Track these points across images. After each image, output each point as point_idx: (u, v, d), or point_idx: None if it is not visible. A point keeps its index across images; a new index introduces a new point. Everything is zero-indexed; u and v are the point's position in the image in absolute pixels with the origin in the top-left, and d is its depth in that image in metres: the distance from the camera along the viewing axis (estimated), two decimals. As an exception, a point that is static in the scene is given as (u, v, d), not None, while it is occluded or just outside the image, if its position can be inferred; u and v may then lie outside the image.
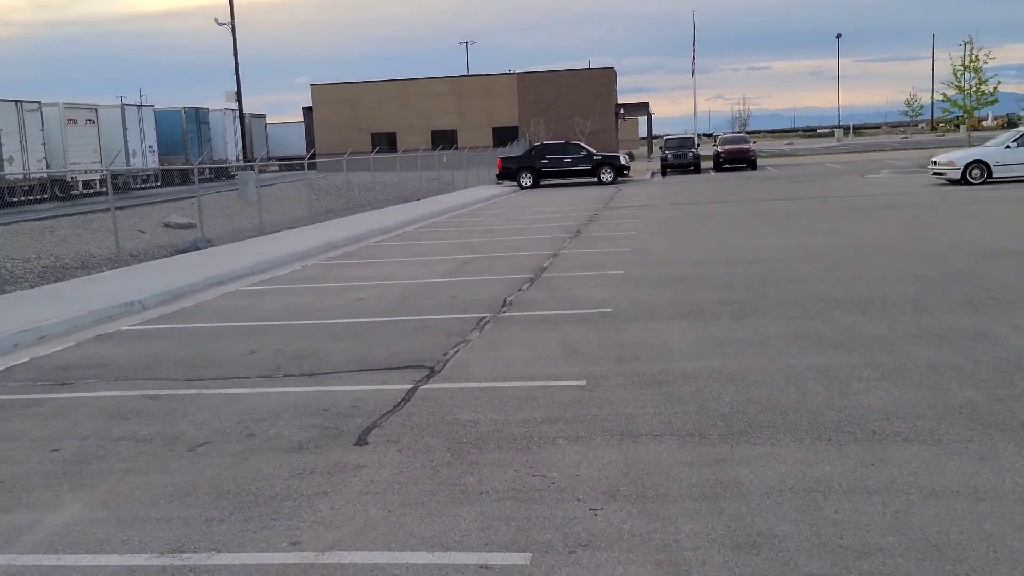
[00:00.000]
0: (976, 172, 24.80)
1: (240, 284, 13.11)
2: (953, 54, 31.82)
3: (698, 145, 46.58)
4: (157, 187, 46.79)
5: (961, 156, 25.65)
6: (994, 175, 24.70)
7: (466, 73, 71.40)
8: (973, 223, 15.98)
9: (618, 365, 7.09)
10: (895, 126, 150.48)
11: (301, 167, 54.38)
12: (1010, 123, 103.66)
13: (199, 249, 18.40)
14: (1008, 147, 24.73)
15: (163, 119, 49.57)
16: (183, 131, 51.33)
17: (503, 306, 10.02)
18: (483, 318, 9.35)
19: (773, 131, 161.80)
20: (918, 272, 10.75)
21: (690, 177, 39.83)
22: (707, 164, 45.48)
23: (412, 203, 31.26)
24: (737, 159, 43.56)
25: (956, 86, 32.71)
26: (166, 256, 17.75)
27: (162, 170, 45.42)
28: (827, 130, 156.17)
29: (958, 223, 16.08)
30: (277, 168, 66.43)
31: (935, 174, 26.02)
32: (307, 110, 69.03)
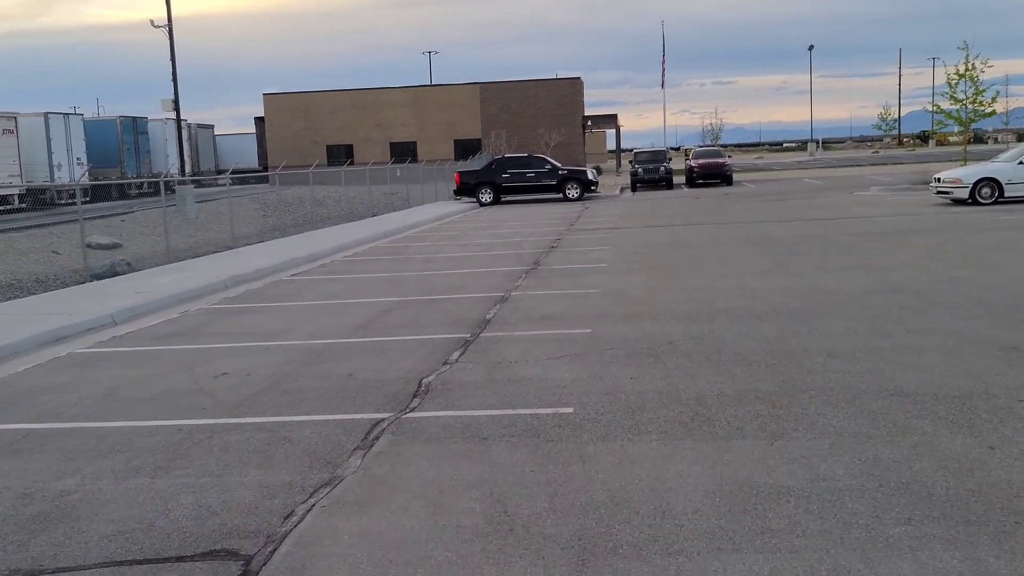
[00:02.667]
0: (986, 191, 22.09)
1: (81, 342, 9.77)
2: (947, 64, 29.12)
3: (670, 159, 43.82)
4: (87, 203, 42.99)
5: (968, 173, 22.94)
6: (1006, 194, 22.02)
7: (427, 83, 68.26)
8: (1017, 254, 13.09)
9: (581, 567, 3.90)
10: (860, 141, 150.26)
11: (256, 180, 51.07)
12: (976, 138, 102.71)
13: (117, 275, 15.86)
14: (1022, 163, 22.04)
15: (95, 129, 45.85)
16: (119, 142, 47.60)
17: (413, 396, 6.81)
18: (377, 424, 6.13)
19: (740, 145, 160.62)
20: (1002, 338, 7.72)
21: (662, 193, 36.96)
22: (679, 179, 42.72)
23: (359, 222, 28.03)
24: (712, 174, 40.82)
25: (951, 96, 30.09)
26: (76, 283, 15.01)
27: (91, 185, 41.66)
28: (794, 144, 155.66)
29: (997, 254, 13.18)
30: (230, 182, 62.79)
31: (939, 192, 23.29)
32: (259, 120, 65.41)
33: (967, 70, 29.83)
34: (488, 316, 10.10)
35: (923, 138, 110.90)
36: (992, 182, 22.14)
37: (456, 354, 8.21)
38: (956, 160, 52.68)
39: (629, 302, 10.55)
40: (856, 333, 8.17)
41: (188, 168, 55.11)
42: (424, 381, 7.26)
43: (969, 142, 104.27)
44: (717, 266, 13.40)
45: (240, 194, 47.24)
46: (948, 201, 23.10)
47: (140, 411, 6.81)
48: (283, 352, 8.74)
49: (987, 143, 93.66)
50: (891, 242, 15.31)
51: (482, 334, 9.09)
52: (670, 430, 5.66)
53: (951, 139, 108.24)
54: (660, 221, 22.67)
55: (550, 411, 6.18)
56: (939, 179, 23.49)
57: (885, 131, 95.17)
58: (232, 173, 59.72)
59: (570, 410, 6.17)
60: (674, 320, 9.24)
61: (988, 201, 21.99)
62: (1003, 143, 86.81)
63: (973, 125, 31.01)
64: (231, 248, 20.38)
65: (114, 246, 23.15)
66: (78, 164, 42.74)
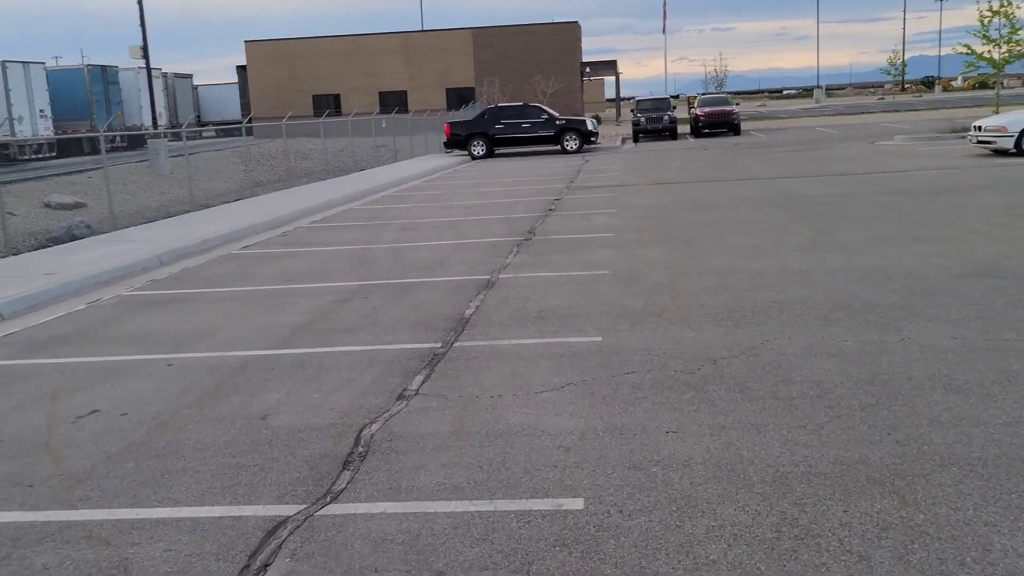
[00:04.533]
0: (1034, 140, 19.65)
1: (-63, 353, 7.50)
2: (954, 6, 26.33)
3: (674, 107, 41.16)
4: (53, 158, 40.38)
5: (1013, 120, 20.45)
6: (1055, 143, 19.59)
7: (417, 29, 64.98)
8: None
9: None
10: (862, 87, 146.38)
11: (238, 132, 48.36)
12: (982, 84, 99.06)
13: (76, 239, 14.29)
14: (1076, 108, 19.58)
15: (60, 79, 42.93)
16: (87, 93, 44.68)
17: (344, 465, 4.57)
18: (274, 531, 3.89)
19: (739, 92, 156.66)
20: None
21: (667, 144, 34.41)
22: (683, 128, 40.12)
23: (341, 178, 25.66)
24: (719, 123, 38.20)
25: (983, 36, 27.40)
26: (30, 249, 13.41)
27: (57, 139, 38.95)
28: (794, 91, 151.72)
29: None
30: (214, 134, 59.92)
31: (980, 142, 20.84)
32: (241, 69, 62.25)
33: (1002, 6, 27.11)
34: (468, 312, 7.82)
35: (928, 84, 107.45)
36: (1041, 130, 19.70)
37: (418, 379, 5.95)
38: (970, 106, 50.03)
39: (647, 290, 8.26)
40: (970, 347, 5.91)
41: (165, 120, 52.31)
42: (365, 433, 5.01)
43: (973, 88, 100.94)
44: (747, 236, 11.08)
45: (222, 147, 44.71)
46: (988, 152, 20.69)
47: (-62, 489, 4.57)
48: (187, 372, 6.48)
49: (992, 88, 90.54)
50: (947, 203, 12.98)
51: (457, 342, 6.82)
52: (747, 560, 3.42)
53: (953, 85, 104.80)
54: (669, 177, 20.27)
55: (549, 507, 3.94)
56: (979, 127, 21.02)
57: (894, 77, 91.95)
58: (215, 125, 56.88)
59: (579, 505, 3.93)
60: (711, 321, 6.96)
61: (1036, 152, 19.59)
62: (1009, 88, 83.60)
63: (1008, 68, 28.35)
64: (189, 212, 18.02)
65: (76, 206, 21.03)
66: (41, 116, 40.02)
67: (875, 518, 3.66)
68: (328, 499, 4.17)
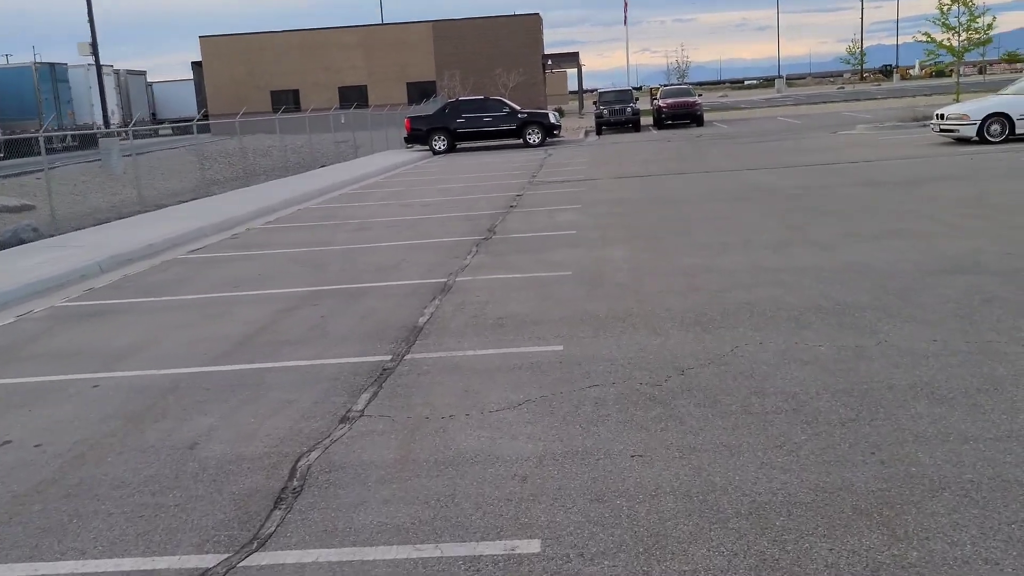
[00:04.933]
0: (996, 127, 19.61)
1: None
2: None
3: (637, 99, 40.89)
4: (1, 159, 39.09)
5: (975, 108, 20.39)
6: (1017, 130, 19.56)
7: (376, 23, 64.06)
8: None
9: None
10: (821, 76, 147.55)
11: (199, 130, 47.27)
12: (938, 72, 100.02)
13: (23, 243, 13.79)
14: (1036, 96, 19.56)
15: (5, 78, 41.71)
16: (35, 91, 43.35)
17: (276, 501, 4.09)
18: (190, 588, 3.44)
19: (701, 83, 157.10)
20: None
21: (630, 136, 34.13)
22: (646, 120, 39.89)
23: (300, 175, 25.05)
24: (681, 114, 38.04)
25: (942, 23, 27.41)
26: None
27: (13, 139, 37.59)
28: (755, 81, 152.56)
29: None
30: (170, 132, 58.49)
31: (943, 130, 20.76)
32: (196, 66, 60.92)
33: (961, -6, 27.15)
34: (421, 320, 7.35)
35: (886, 72, 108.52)
36: (1002, 117, 19.62)
37: (364, 398, 5.49)
38: (929, 94, 50.41)
39: (611, 292, 7.86)
40: (951, 350, 5.58)
41: (118, 119, 51.00)
42: (302, 464, 4.54)
43: (929, 76, 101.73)
44: (715, 232, 10.74)
45: (177, 145, 43.60)
46: (951, 140, 20.63)
47: None
48: (113, 394, 5.96)
49: (950, 76, 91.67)
50: (914, 194, 12.76)
51: (408, 354, 6.37)
52: (724, 610, 3.02)
53: (911, 73, 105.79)
54: (633, 170, 19.92)
55: (501, 550, 3.50)
56: (942, 115, 20.94)
57: (854, 65, 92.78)
58: (171, 122, 55.59)
59: (535, 547, 3.50)
60: (678, 326, 6.57)
61: (998, 139, 19.52)
62: (966, 75, 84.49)
63: (967, 55, 28.40)
64: (140, 213, 17.34)
65: (23, 208, 20.26)
66: (-14, 117, 38.69)
67: (864, 557, 3.28)
68: (255, 545, 3.70)
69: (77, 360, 6.93)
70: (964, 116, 20.13)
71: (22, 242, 13.79)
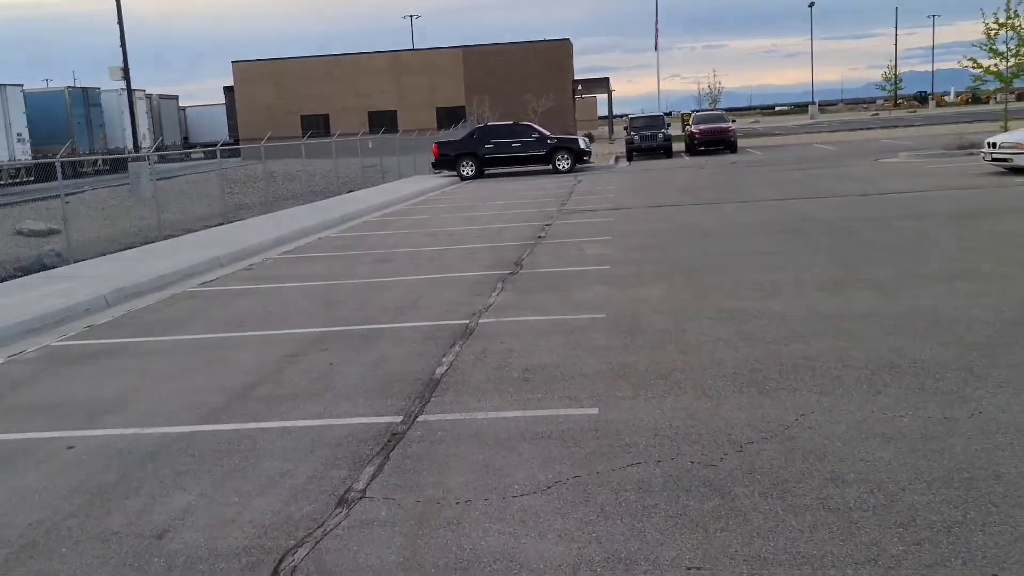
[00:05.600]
0: (1053, 157, 18.58)
1: None
2: (986, 13, 25.35)
3: (668, 125, 40.17)
4: (31, 183, 39.14)
5: (1030, 136, 19.38)
6: (1075, 161, 18.51)
7: (406, 48, 64.00)
8: None
9: None
10: (853, 103, 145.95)
11: (229, 154, 47.18)
12: (974, 98, 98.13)
13: (45, 268, 13.73)
14: (1098, 123, 18.52)
15: (39, 102, 41.80)
16: (67, 115, 43.53)
17: (246, 628, 3.34)
18: None
19: (731, 109, 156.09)
20: None
21: (662, 163, 33.35)
22: (678, 146, 39.13)
23: (324, 201, 24.57)
24: (715, 140, 37.28)
25: (989, 49, 26.40)
26: None
27: (23, 164, 37.62)
28: (786, 107, 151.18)
29: None
30: (202, 156, 58.66)
31: (995, 159, 19.73)
32: (228, 90, 61.14)
33: (1009, 19, 26.15)
34: (439, 371, 6.58)
35: (921, 99, 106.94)
36: (1060, 147, 18.62)
37: (367, 473, 4.72)
38: (969, 121, 49.13)
39: (651, 341, 7.04)
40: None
41: (150, 142, 51.15)
42: (287, 564, 3.77)
43: (966, 103, 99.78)
44: (760, 270, 9.89)
45: (206, 170, 43.46)
46: (1003, 170, 19.59)
47: None
48: (87, 460, 5.24)
49: (986, 103, 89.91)
50: (977, 229, 11.82)
51: (422, 415, 5.59)
52: None
53: (946, 100, 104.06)
54: (667, 199, 19.11)
55: None
56: (994, 144, 19.93)
57: (889, 91, 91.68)
58: (203, 147, 55.76)
59: None
60: (730, 385, 5.74)
61: (1055, 170, 18.51)
62: (1001, 103, 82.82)
63: (1016, 81, 27.34)
64: (161, 240, 16.88)
65: (50, 232, 20.07)
66: (19, 141, 38.83)
67: None
68: None
69: (58, 413, 6.23)
70: (1018, 145, 19.11)
71: (44, 267, 13.79)
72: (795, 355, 6.32)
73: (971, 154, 24.99)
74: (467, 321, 8.24)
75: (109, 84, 46.67)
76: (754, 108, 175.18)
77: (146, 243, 16.41)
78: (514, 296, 9.36)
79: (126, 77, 40.02)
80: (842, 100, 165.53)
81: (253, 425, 5.64)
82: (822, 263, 10.06)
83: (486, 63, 55.88)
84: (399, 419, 5.54)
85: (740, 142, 40.10)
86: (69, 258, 14.48)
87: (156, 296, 11.02)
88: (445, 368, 6.65)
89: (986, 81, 27.48)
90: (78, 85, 45.06)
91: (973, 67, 26.83)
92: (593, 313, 8.18)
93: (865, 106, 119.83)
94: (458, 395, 5.96)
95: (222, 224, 19.35)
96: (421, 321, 8.42)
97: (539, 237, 14.10)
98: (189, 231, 18.64)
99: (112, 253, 15.14)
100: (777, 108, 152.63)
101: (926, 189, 17.32)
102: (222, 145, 51.20)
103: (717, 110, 51.98)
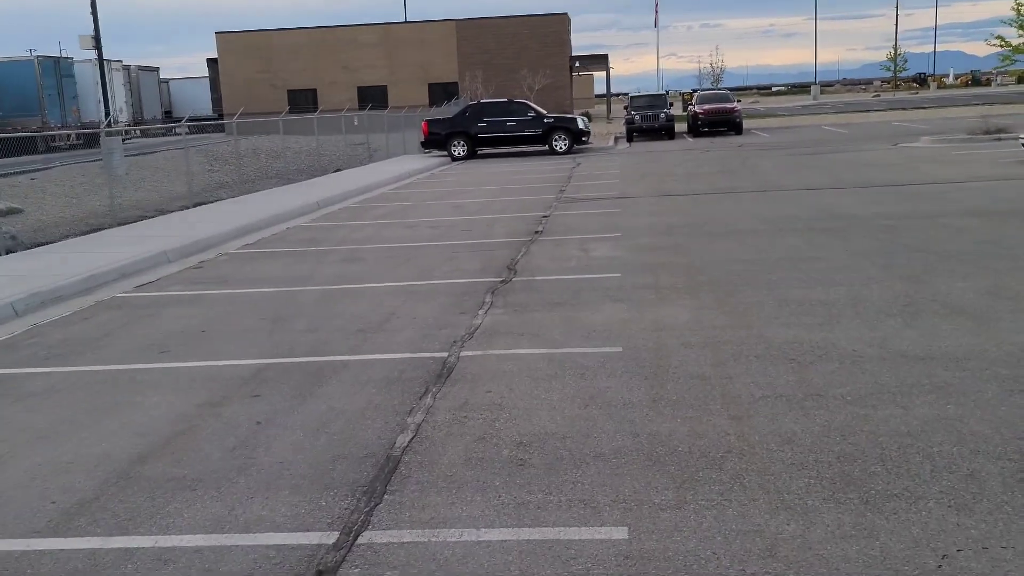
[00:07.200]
0: (1101, 144, 16.84)
1: None
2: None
3: (671, 104, 38.25)
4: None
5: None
6: (1126, 148, 16.79)
7: (397, 20, 61.72)
8: None
9: None
10: (850, 84, 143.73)
11: (212, 129, 45.10)
12: (974, 80, 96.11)
13: (10, 253, 12.31)
14: None
15: (6, 72, 39.61)
16: (37, 86, 41.32)
17: None
18: None
19: (728, 88, 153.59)
20: None
21: (665, 145, 31.47)
22: (680, 126, 37.22)
23: (305, 183, 22.86)
24: (719, 121, 35.36)
25: (1019, 25, 24.56)
26: None
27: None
28: (783, 87, 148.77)
29: None
30: (187, 130, 56.48)
31: (1035, 147, 17.98)
32: (212, 63, 58.82)
33: (1041, -6, 24.30)
34: (400, 442, 4.79)
35: (920, 80, 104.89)
36: (1109, 133, 16.87)
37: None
38: (978, 104, 47.10)
39: (686, 396, 5.26)
40: None
41: (127, 116, 48.96)
42: None
43: (966, 85, 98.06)
44: (803, 282, 8.11)
45: (186, 145, 41.44)
46: (1043, 157, 17.86)
47: None
48: None
49: (989, 85, 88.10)
50: (1048, 231, 10.06)
51: (367, 529, 3.79)
52: None
53: (945, 82, 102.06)
54: (676, 186, 17.30)
55: None
56: (1035, 130, 18.17)
57: (893, 72, 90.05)
58: (186, 121, 53.66)
59: None
60: (818, 490, 3.96)
61: (1104, 158, 16.78)
62: (1003, 85, 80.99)
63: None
64: (162, 212, 15.18)
65: (10, 212, 18.19)
66: (-17, 112, 36.69)
67: None
68: None
69: None
70: (1063, 130, 17.35)
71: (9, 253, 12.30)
72: (893, 429, 4.55)
73: (999, 139, 23.24)
74: (445, 354, 6.44)
75: (83, 55, 44.49)
76: (751, 88, 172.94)
77: (117, 224, 14.86)
78: (506, 315, 7.56)
79: (97, 45, 37.92)
80: (839, 81, 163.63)
81: (117, 542, 3.83)
82: (877, 274, 8.28)
83: (481, 37, 53.74)
84: (331, 540, 3.75)
85: (745, 123, 38.24)
86: (27, 241, 13.16)
87: (78, 303, 9.19)
88: (410, 437, 4.86)
89: (1015, 60, 25.62)
90: (48, 55, 42.74)
91: (1002, 46, 24.97)
92: (606, 346, 6.39)
93: (864, 87, 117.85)
94: (422, 491, 4.18)
95: (186, 208, 17.57)
96: (387, 353, 6.61)
97: (535, 232, 12.29)
98: (163, 212, 16.97)
99: (75, 237, 13.78)
100: (775, 88, 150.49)
101: (963, 180, 15.53)
102: (203, 120, 48.95)
103: (721, 89, 50.02)
